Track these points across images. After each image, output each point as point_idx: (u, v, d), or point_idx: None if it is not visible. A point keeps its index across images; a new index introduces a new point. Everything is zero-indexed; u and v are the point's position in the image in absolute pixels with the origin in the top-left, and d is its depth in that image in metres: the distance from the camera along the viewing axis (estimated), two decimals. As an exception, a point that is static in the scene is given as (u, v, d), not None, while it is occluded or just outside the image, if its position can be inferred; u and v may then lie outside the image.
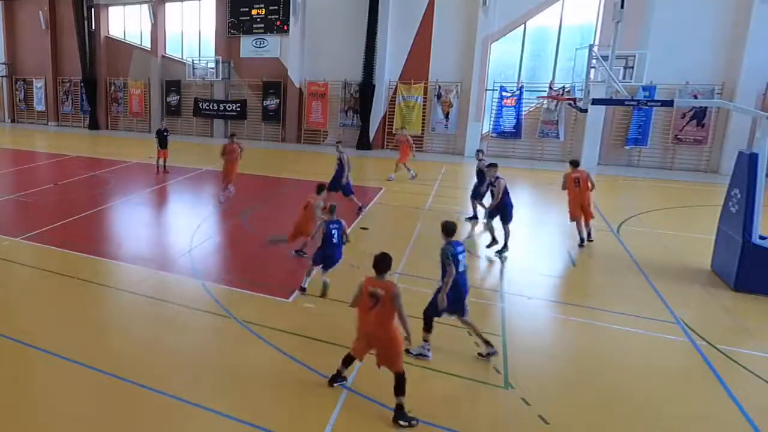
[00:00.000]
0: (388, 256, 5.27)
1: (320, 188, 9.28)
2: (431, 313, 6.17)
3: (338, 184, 12.50)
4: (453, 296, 6.05)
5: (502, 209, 9.86)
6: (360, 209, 12.60)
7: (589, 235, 10.62)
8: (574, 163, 10.81)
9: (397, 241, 10.58)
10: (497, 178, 9.88)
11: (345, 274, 8.80)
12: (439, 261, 6.09)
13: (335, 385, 5.54)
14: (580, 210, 10.38)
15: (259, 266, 9.31)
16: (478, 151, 12.97)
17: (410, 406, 5.08)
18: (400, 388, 5.03)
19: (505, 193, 9.86)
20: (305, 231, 8.90)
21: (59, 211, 12.55)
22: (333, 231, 7.81)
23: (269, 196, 14.88)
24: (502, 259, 9.67)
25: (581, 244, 10.38)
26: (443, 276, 6.05)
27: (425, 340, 6.19)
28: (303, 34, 24.78)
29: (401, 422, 4.96)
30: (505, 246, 9.82)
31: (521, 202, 13.23)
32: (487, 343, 6.16)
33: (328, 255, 7.86)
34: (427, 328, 6.19)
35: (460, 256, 6.15)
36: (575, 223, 10.46)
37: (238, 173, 13.84)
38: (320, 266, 7.94)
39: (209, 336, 6.85)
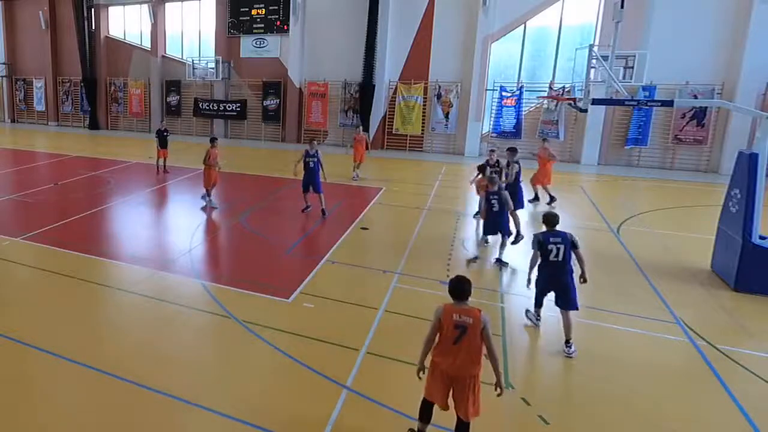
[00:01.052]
0: (467, 280, 4.48)
1: (482, 168, 10.16)
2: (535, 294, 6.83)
3: (316, 184, 12.12)
4: (539, 286, 6.65)
5: (515, 195, 9.94)
6: (306, 208, 12.39)
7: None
8: (546, 140, 14.27)
9: (397, 241, 10.59)
10: (516, 162, 10.09)
11: (344, 273, 8.81)
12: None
13: None
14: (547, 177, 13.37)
15: (259, 266, 9.31)
16: (491, 151, 13.22)
17: (409, 406, 5.09)
18: None
19: (518, 179, 10.09)
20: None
21: (59, 211, 12.55)
22: (493, 201, 8.91)
23: (269, 196, 14.88)
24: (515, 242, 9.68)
25: (552, 201, 13.17)
26: None
27: (536, 315, 6.91)
28: (303, 34, 24.79)
29: None
30: (518, 234, 9.68)
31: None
32: (567, 342, 6.34)
33: (490, 223, 9.02)
34: (536, 303, 6.88)
35: (550, 246, 6.34)
36: (541, 186, 13.35)
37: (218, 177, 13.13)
38: (492, 234, 9.20)
39: (209, 336, 6.85)
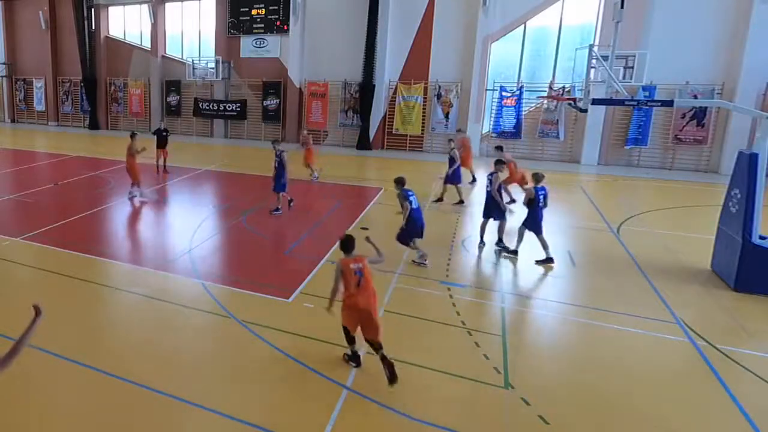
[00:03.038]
0: (351, 236, 5.88)
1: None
2: (401, 238, 9.11)
3: (279, 184, 12.48)
4: (411, 226, 8.94)
5: (493, 205, 10.06)
6: (291, 201, 12.80)
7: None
8: (461, 131, 17.88)
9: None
10: (494, 173, 10.10)
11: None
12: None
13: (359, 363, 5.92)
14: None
15: (259, 266, 9.31)
16: (450, 140, 14.65)
17: (410, 405, 5.10)
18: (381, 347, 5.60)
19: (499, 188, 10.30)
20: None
21: (59, 211, 12.55)
22: (540, 196, 9.24)
23: (269, 196, 14.85)
24: (498, 253, 9.87)
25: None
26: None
27: (416, 249, 9.11)
28: (303, 34, 24.78)
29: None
30: (500, 240, 10.08)
31: (520, 202, 13.26)
32: (422, 256, 9.04)
33: (535, 217, 9.33)
34: (406, 245, 9.14)
35: (411, 198, 8.95)
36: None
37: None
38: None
39: (209, 336, 6.85)
